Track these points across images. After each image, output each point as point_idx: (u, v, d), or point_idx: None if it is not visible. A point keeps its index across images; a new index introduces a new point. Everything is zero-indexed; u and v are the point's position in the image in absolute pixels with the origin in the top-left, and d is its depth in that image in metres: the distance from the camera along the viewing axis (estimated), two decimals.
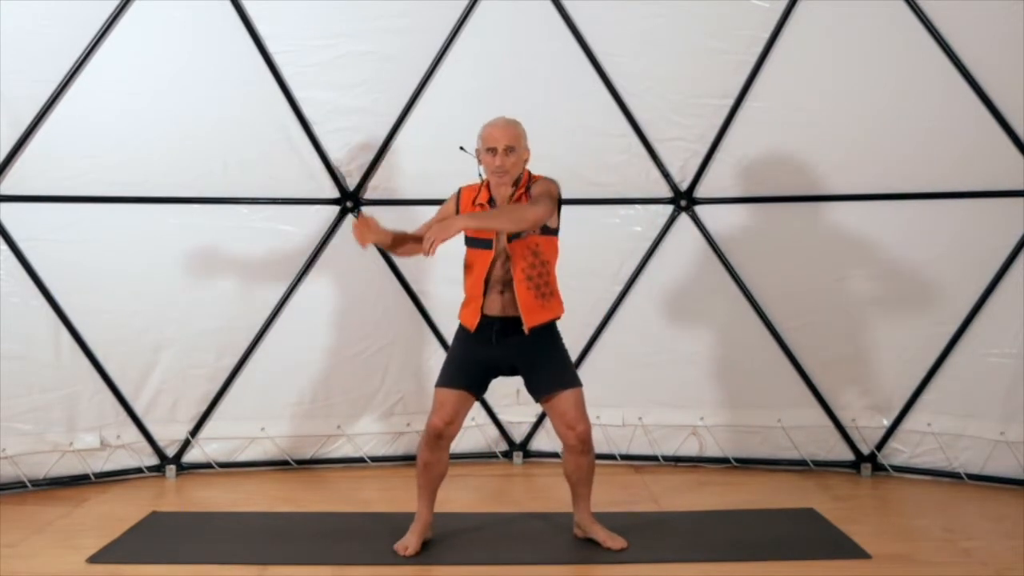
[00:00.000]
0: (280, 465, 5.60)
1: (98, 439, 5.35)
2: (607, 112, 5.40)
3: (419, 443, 4.29)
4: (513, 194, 4.15)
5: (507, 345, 4.16)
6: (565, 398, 4.17)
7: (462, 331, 4.25)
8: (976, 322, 5.24)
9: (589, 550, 4.30)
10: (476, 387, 4.28)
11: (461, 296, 4.30)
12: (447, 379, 4.23)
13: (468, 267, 4.22)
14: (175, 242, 5.33)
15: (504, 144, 4.08)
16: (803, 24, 5.22)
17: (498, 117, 4.18)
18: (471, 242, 4.18)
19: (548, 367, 4.21)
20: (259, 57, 5.25)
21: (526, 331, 4.12)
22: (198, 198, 5.32)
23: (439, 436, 4.18)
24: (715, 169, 5.44)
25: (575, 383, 4.22)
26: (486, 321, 4.14)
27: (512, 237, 4.09)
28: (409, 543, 4.25)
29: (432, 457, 4.23)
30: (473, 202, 4.18)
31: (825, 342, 5.46)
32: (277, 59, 5.28)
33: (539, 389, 4.23)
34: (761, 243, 5.46)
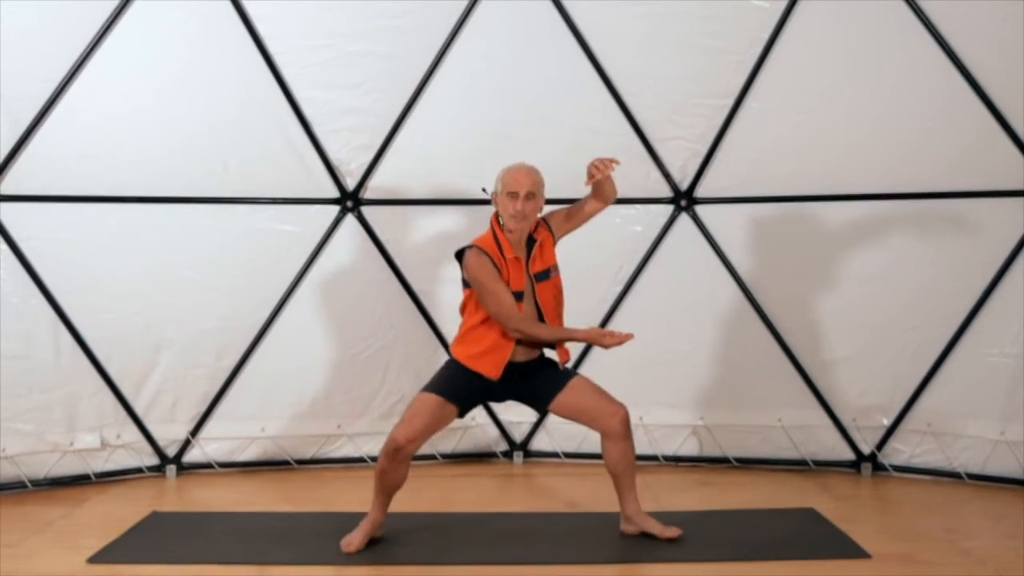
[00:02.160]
0: (280, 465, 5.60)
1: (98, 439, 5.35)
2: (607, 112, 5.40)
3: (382, 447, 4.22)
4: (531, 241, 4.17)
5: (517, 384, 4.22)
6: (582, 389, 4.20)
7: (469, 371, 4.17)
8: (976, 322, 5.24)
9: (590, 550, 4.29)
10: (466, 408, 4.26)
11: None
12: (439, 389, 4.16)
13: (491, 318, 4.12)
14: (175, 242, 5.33)
15: (527, 190, 4.09)
16: (803, 24, 5.22)
17: (519, 163, 4.19)
18: None
19: (547, 370, 4.26)
20: (259, 57, 5.25)
21: (561, 367, 4.26)
22: (198, 198, 5.32)
23: (398, 450, 4.11)
24: (715, 169, 5.44)
25: (577, 372, 4.29)
26: (509, 369, 4.17)
27: (541, 278, 4.16)
28: (353, 539, 4.22)
29: (388, 466, 4.15)
30: (502, 255, 4.11)
31: (825, 342, 5.46)
32: (277, 59, 5.28)
33: (548, 392, 4.23)
34: (761, 243, 5.46)
